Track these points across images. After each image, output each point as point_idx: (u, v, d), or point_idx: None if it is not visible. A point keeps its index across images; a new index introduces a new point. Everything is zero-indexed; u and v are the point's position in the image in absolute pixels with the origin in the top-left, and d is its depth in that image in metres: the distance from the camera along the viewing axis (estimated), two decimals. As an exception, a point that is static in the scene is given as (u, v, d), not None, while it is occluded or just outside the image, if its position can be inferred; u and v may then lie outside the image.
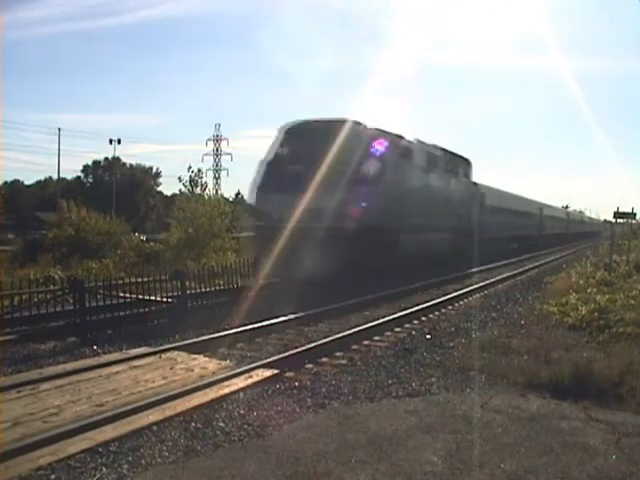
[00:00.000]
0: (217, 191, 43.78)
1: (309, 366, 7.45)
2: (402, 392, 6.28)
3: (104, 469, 4.24)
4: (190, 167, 25.04)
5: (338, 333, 9.15)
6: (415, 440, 4.84)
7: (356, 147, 14.15)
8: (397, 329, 10.11)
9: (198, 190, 24.96)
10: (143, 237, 33.09)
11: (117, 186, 61.11)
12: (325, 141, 13.71)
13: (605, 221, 76.03)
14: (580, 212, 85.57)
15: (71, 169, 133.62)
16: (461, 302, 13.67)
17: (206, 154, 72.06)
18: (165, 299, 10.41)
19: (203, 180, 25.60)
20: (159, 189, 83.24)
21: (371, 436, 4.92)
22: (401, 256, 15.48)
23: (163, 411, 5.37)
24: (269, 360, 7.33)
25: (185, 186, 24.94)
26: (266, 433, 5.00)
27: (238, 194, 51.89)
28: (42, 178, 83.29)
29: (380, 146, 15.08)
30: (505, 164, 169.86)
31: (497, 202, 29.17)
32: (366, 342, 8.99)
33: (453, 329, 10.08)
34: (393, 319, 10.52)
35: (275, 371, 6.85)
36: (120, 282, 10.92)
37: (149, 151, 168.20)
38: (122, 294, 10.09)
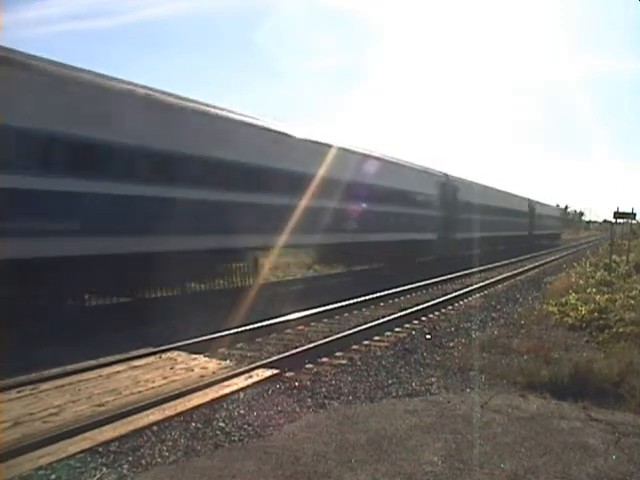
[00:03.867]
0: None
1: (309, 366, 7.46)
2: (402, 392, 6.29)
3: (104, 469, 4.23)
4: None
5: (338, 333, 9.17)
6: (415, 440, 4.84)
7: None
8: (397, 329, 10.13)
9: None
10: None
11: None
12: None
13: (605, 221, 75.06)
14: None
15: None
16: (461, 302, 13.68)
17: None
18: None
19: None
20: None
21: (371, 436, 4.92)
22: None
23: (163, 411, 5.37)
24: (269, 360, 7.34)
25: None
26: (266, 433, 5.00)
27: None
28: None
29: None
30: (505, 165, 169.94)
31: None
32: (366, 342, 9.00)
33: (453, 329, 10.09)
34: (393, 319, 10.54)
35: (275, 371, 6.86)
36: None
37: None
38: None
